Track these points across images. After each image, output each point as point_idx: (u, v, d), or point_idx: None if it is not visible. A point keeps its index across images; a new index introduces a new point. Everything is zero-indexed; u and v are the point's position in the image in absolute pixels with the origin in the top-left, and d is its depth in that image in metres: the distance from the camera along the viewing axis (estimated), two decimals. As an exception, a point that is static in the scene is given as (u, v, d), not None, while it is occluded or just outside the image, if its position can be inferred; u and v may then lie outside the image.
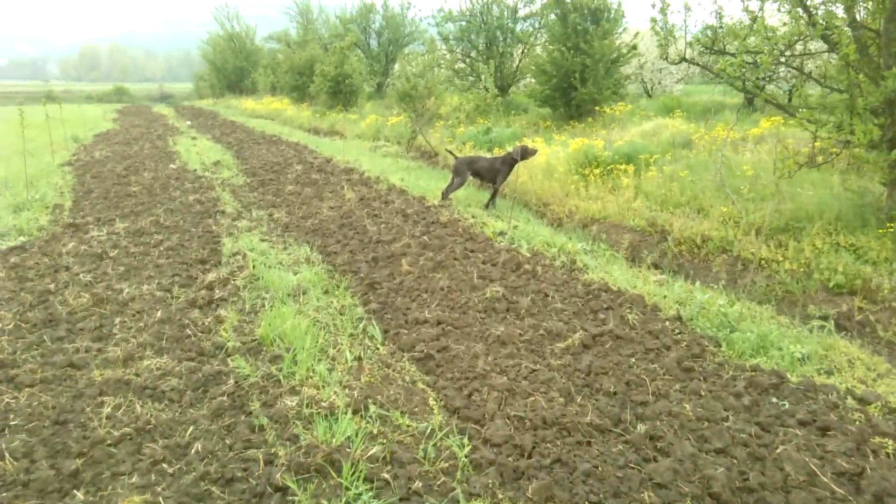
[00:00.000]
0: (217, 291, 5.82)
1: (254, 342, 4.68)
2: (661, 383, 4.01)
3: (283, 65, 33.90)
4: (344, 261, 6.76)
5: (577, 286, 5.91)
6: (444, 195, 10.25)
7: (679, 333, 4.84)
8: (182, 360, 4.49)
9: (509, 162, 10.13)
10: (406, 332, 4.96)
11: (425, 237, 7.53)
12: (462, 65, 25.72)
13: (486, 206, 10.29)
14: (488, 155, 13.40)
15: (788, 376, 4.11)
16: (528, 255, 7.03)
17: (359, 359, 4.42)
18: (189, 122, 27.47)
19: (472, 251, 7.06)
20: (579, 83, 18.61)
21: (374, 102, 30.04)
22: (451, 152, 10.30)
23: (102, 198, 10.10)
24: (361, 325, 5.03)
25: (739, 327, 4.90)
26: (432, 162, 16.06)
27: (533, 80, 23.22)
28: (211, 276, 6.17)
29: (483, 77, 25.18)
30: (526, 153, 10.11)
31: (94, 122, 25.35)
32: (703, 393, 3.89)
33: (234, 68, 48.58)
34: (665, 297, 5.81)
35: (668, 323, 5.02)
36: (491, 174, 10.15)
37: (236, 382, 4.16)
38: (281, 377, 4.15)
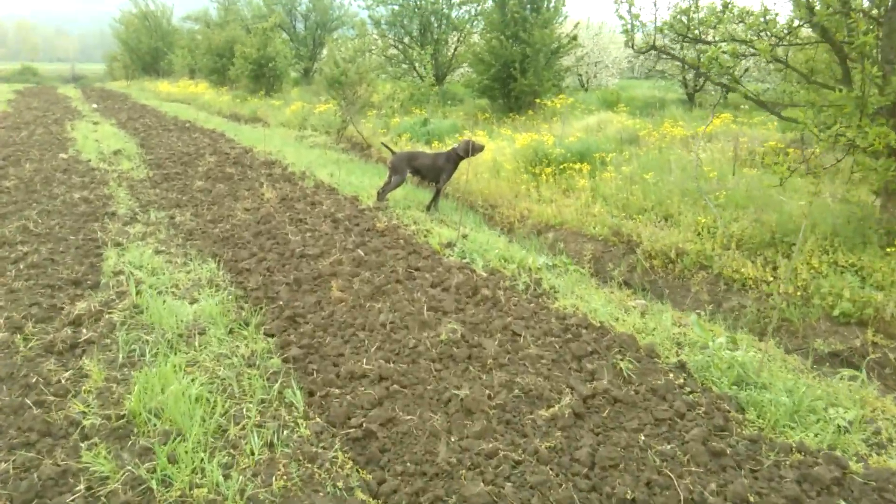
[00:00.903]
0: (85, 330, 4.39)
1: (121, 419, 3.33)
2: (691, 480, 2.93)
3: (201, 45, 31.59)
4: (258, 283, 5.43)
5: (551, 320, 4.79)
6: (381, 195, 8.98)
7: (690, 392, 3.79)
8: (15, 447, 3.10)
9: (454, 159, 8.96)
10: (338, 392, 3.71)
11: (360, 250, 6.26)
12: (395, 51, 24.33)
13: (428, 209, 9.10)
14: (428, 150, 12.20)
15: (850, 464, 3.09)
16: (485, 273, 5.88)
17: (270, 445, 3.15)
18: (95, 106, 25.01)
19: (417, 269, 5.85)
20: (519, 73, 17.64)
21: (300, 89, 28.24)
22: (387, 146, 9.05)
23: (-36, 194, 8.34)
24: (277, 386, 3.73)
25: (761, 381, 3.89)
26: (364, 154, 14.72)
27: (470, 70, 22.13)
28: (81, 307, 4.73)
29: (418, 65, 23.95)
30: (473, 149, 8.96)
31: (-19, 102, 22.64)
32: (751, 499, 2.82)
33: (148, 49, 45.49)
34: (654, 331, 4.78)
35: (671, 375, 3.96)
36: (433, 172, 8.95)
37: (89, 490, 2.83)
38: (153, 484, 2.84)
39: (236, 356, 4.08)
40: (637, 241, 7.38)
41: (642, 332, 4.76)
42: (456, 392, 3.64)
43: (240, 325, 4.50)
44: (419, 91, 21.66)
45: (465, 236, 7.14)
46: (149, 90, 35.73)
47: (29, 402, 3.48)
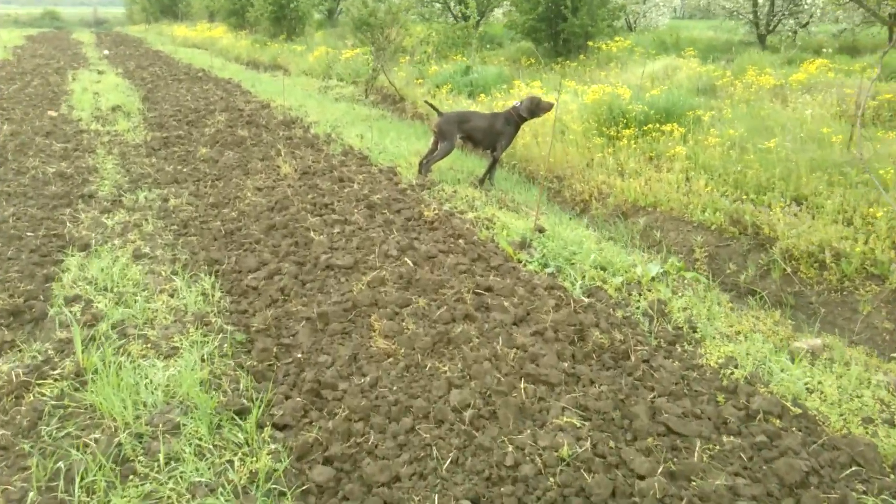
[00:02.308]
0: (-7, 421, 2.80)
1: None
2: None
3: (218, -15, 29.45)
4: (267, 319, 3.77)
5: (715, 396, 3.09)
6: (424, 167, 7.23)
7: None
8: None
9: (514, 120, 7.16)
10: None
11: (407, 257, 4.57)
12: (427, -12, 22.09)
13: (482, 182, 7.35)
14: (480, 109, 10.35)
15: None
16: (585, 298, 4.17)
17: None
18: (106, 52, 23.27)
19: (489, 289, 4.15)
20: (570, 12, 15.48)
21: (324, 32, 26.12)
22: (432, 106, 7.25)
23: (-85, 168, 6.76)
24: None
25: None
26: (397, 108, 12.87)
27: (513, 9, 19.89)
28: (2, 369, 3.13)
29: (453, 3, 21.71)
30: (538, 108, 7.14)
31: (-16, 49, 21.02)
32: None
33: (166, -10, 43.36)
34: (862, 400, 3.06)
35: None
36: (489, 138, 7.16)
37: None
38: None
39: (224, 488, 2.45)
40: (769, 233, 5.57)
41: (842, 406, 3.04)
42: None
43: (234, 413, 2.86)
44: (455, 33, 19.55)
45: (541, 230, 5.39)
46: (166, 34, 33.83)
47: None
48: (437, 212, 5.64)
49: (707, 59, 15.57)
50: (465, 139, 7.25)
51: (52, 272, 4.41)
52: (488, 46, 20.06)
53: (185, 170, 7.25)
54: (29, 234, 5.11)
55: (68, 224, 5.39)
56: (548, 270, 4.66)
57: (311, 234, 5.07)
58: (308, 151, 7.99)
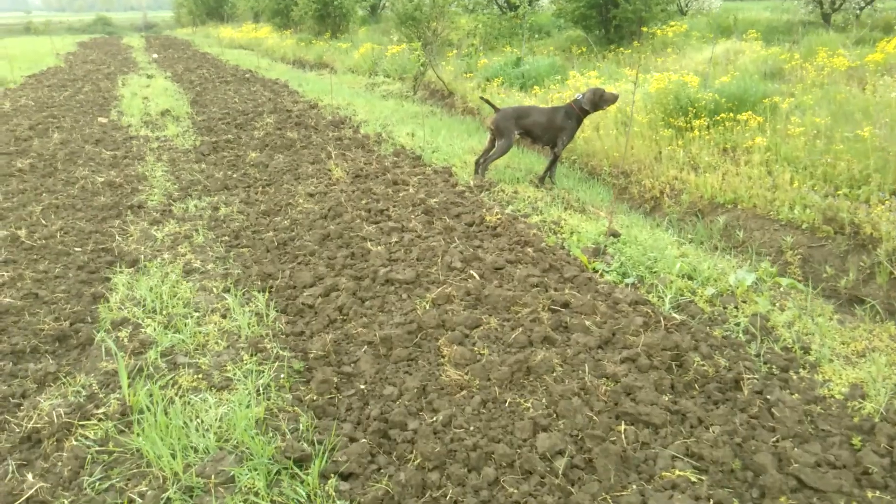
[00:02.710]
0: (31, 477, 2.53)
1: None
2: None
3: (263, -15, 29.51)
4: (325, 344, 3.44)
5: (851, 440, 2.63)
6: (481, 167, 6.85)
7: None
8: None
9: (576, 114, 6.71)
10: None
11: (473, 269, 4.19)
12: (471, -21, 21.63)
13: (542, 181, 6.93)
14: (534, 103, 9.92)
15: None
16: (677, 315, 3.72)
17: None
18: (155, 56, 23.55)
19: (566, 305, 3.74)
20: (622, -3, 14.89)
21: (368, 28, 25.90)
22: (488, 101, 6.86)
23: (-33, 181, 6.69)
24: None
25: None
26: (447, 104, 12.50)
27: (560, -4, 19.28)
28: (43, 408, 2.88)
29: (497, -7, 21.21)
30: (602, 100, 6.68)
31: (38, 57, 21.43)
32: None
33: (212, -8, 43.90)
34: None
35: None
36: (549, 133, 6.73)
37: None
38: None
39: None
40: (871, 233, 5.01)
41: None
42: None
43: (293, 463, 2.53)
44: (501, 24, 19.06)
45: (615, 235, 4.94)
46: (212, 36, 34.17)
47: None
48: (499, 216, 5.25)
49: (770, 42, 14.74)
50: (525, 134, 6.84)
51: (99, 291, 4.18)
52: (536, 36, 19.50)
53: (234, 175, 7.02)
54: (77, 249, 4.91)
55: (117, 237, 5.18)
56: (628, 281, 4.22)
57: (368, 244, 4.73)
58: (359, 153, 7.69)
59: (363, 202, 5.75)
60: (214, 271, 4.56)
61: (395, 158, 7.46)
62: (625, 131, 8.02)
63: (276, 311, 3.94)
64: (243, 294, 4.16)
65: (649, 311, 3.68)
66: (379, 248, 4.64)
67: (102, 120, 10.01)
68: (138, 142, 8.52)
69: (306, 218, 5.47)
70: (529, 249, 4.60)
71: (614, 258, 4.54)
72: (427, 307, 3.71)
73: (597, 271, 4.38)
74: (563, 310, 3.70)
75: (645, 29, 15.58)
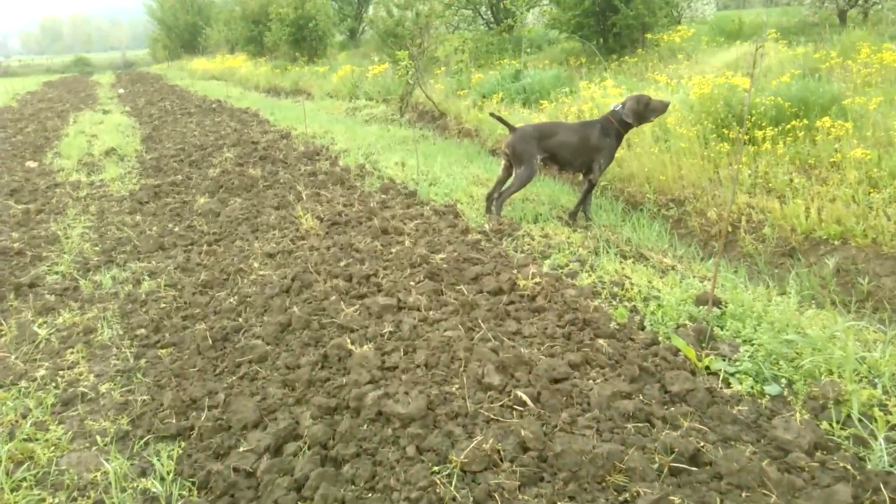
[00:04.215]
0: None
1: None
2: None
3: (235, 14, 28.06)
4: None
5: None
6: (496, 204, 5.27)
7: None
8: None
9: (615, 130, 5.18)
10: None
11: (520, 387, 2.56)
12: (453, -5, 20.22)
13: (573, 217, 5.37)
14: (542, 119, 8.40)
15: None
16: (889, 466, 2.10)
17: None
18: (121, 90, 22.02)
19: (699, 464, 2.11)
20: (623, 3, 13.54)
21: (347, 53, 24.46)
22: (501, 119, 5.28)
23: None
24: None
25: None
26: (438, 126, 10.93)
27: (552, 6, 17.91)
28: None
29: (483, 8, 19.85)
30: (647, 109, 5.17)
31: (-8, 98, 19.76)
32: None
33: (185, 25, 42.58)
34: None
35: None
36: (582, 156, 5.20)
37: None
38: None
39: None
40: None
41: None
42: None
43: None
44: (489, 39, 17.65)
45: (719, 304, 3.32)
46: (186, 69, 32.71)
47: None
48: (537, 279, 3.62)
49: (789, 43, 13.36)
50: (549, 160, 5.26)
51: None
52: (528, 51, 18.11)
53: (176, 229, 5.39)
54: (-89, 364, 3.24)
55: (-17, 340, 3.52)
56: (771, 391, 2.60)
57: (348, 339, 3.08)
58: (337, 191, 6.08)
59: (342, 264, 4.11)
60: (109, 398, 2.90)
61: (384, 196, 5.85)
62: (666, 147, 6.45)
63: (189, 485, 2.28)
64: (142, 447, 2.50)
65: (848, 467, 2.05)
66: (365, 347, 2.99)
67: (31, 164, 8.37)
68: (64, 189, 6.86)
69: (261, 293, 3.82)
70: (596, 335, 2.98)
71: (732, 346, 2.91)
72: (454, 482, 2.06)
73: (713, 371, 2.76)
74: (697, 471, 2.07)
75: (648, 35, 14.24)
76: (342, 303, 3.50)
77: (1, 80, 36.33)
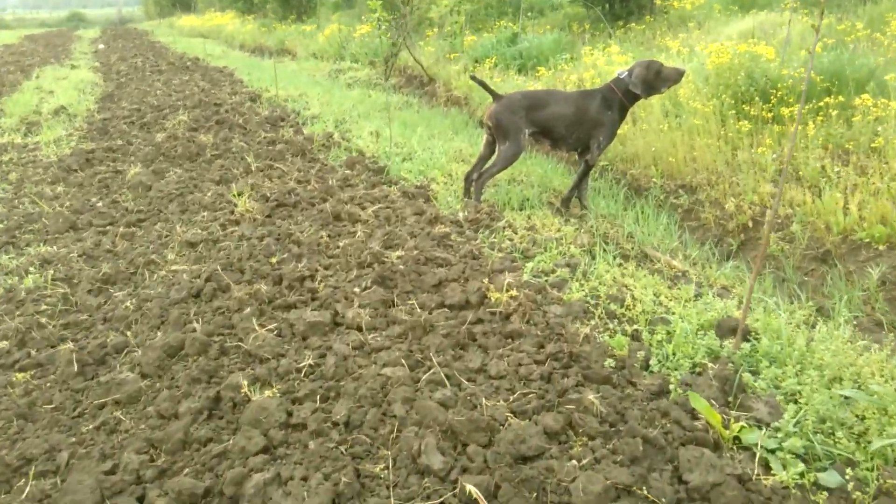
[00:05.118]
0: None
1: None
2: None
3: (225, -31, 26.75)
4: None
5: None
6: (475, 186, 4.44)
7: None
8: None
9: (618, 102, 4.35)
10: None
11: (471, 469, 1.77)
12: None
13: (566, 204, 4.55)
14: (540, 87, 7.53)
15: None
16: None
17: None
18: (101, 46, 20.89)
19: None
20: (631, -34, 12.57)
21: (341, 14, 23.26)
22: (482, 84, 4.42)
23: None
24: None
25: None
26: (426, 93, 10.02)
27: (556, -33, 16.80)
28: None
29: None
30: (659, 78, 4.34)
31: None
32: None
33: (176, -20, 41.09)
34: None
35: None
36: (578, 132, 4.37)
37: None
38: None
39: None
40: None
41: None
42: None
43: None
44: (485, 2, 16.58)
45: (748, 337, 2.52)
46: (175, 26, 31.42)
47: None
48: (512, 292, 2.82)
49: (810, 13, 12.39)
50: (539, 136, 4.42)
51: None
52: (529, 15, 17.07)
53: (100, 205, 4.55)
54: None
55: None
56: (827, 482, 1.81)
57: (249, 378, 2.28)
58: (296, 163, 5.24)
59: (273, 260, 3.30)
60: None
61: (348, 172, 5.01)
62: (677, 124, 5.59)
63: None
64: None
65: None
66: (268, 393, 2.19)
67: (-36, 123, 7.47)
68: (-12, 154, 6.00)
69: (165, 296, 3.01)
70: (591, 397, 2.17)
71: (777, 410, 2.11)
72: None
73: (744, 446, 1.97)
74: None
75: (659, 2, 13.28)
76: (258, 318, 2.69)
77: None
